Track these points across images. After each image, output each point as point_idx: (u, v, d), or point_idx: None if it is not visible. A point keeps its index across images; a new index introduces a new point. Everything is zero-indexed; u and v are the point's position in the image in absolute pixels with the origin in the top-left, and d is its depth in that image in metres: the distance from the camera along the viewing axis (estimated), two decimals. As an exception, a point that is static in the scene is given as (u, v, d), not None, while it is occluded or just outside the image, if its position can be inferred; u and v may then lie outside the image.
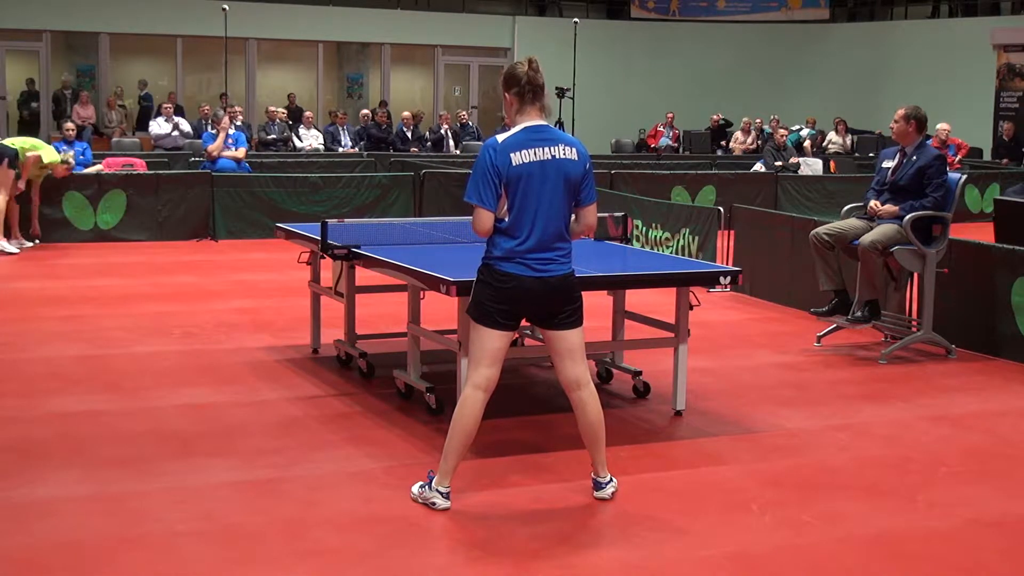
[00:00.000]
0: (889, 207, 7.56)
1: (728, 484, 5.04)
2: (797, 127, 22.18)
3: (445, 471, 4.60)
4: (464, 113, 21.92)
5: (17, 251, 11.63)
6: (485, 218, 4.49)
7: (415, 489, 4.71)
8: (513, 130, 4.58)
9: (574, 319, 4.66)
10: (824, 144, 21.51)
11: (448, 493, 4.60)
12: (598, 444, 4.74)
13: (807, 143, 21.17)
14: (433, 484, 4.61)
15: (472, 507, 4.64)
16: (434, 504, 4.59)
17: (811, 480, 5.12)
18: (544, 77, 4.60)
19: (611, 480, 4.81)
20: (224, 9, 19.57)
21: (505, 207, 4.51)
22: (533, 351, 6.92)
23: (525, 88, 4.56)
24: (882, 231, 7.46)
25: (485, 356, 4.58)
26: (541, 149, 4.51)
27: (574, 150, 4.59)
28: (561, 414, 5.85)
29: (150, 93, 23.25)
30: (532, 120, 4.57)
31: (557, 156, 4.53)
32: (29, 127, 21.81)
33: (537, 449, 5.44)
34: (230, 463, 5.18)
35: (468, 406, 4.58)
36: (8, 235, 11.81)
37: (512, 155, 4.48)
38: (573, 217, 4.68)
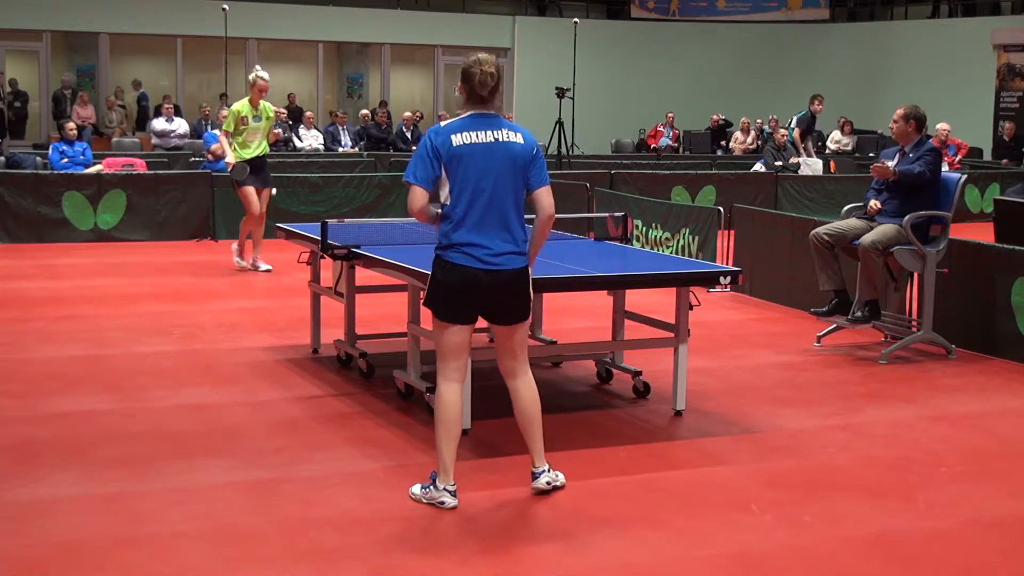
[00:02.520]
0: (886, 164, 7.57)
1: (728, 484, 5.04)
2: (792, 122, 22.09)
3: (444, 468, 4.61)
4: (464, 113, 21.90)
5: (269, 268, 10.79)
6: (418, 196, 4.53)
7: (415, 490, 4.71)
8: (459, 117, 4.64)
9: (520, 315, 4.69)
10: (824, 142, 21.48)
11: (455, 491, 4.61)
12: (533, 432, 4.74)
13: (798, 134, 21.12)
14: (439, 483, 4.61)
15: (470, 507, 4.63)
16: (443, 503, 4.59)
17: (811, 480, 5.12)
18: (493, 86, 4.56)
19: (547, 470, 4.77)
20: (224, 9, 19.56)
21: (447, 189, 4.54)
22: (531, 351, 6.92)
23: (473, 90, 4.59)
24: (882, 231, 7.46)
25: (448, 351, 4.65)
26: (485, 132, 4.56)
27: (520, 135, 4.63)
28: (559, 414, 5.86)
29: (146, 93, 23.23)
30: (479, 110, 4.62)
31: (501, 139, 4.57)
32: (16, 128, 21.68)
33: (537, 449, 5.44)
34: (230, 463, 5.18)
35: (444, 399, 4.64)
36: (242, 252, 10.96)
37: (453, 136, 4.53)
38: (536, 212, 4.64)
